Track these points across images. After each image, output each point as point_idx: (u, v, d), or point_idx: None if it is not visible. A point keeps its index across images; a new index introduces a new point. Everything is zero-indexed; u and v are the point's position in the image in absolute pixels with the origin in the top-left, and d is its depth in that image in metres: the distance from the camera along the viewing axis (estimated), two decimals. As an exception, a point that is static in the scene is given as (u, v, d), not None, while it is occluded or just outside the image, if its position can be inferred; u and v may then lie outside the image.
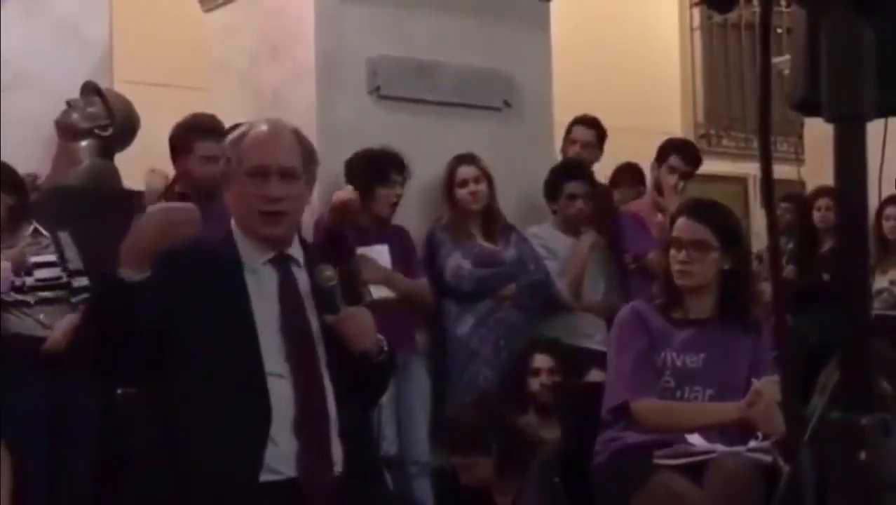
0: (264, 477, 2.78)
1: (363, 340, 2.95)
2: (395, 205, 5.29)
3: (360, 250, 5.04)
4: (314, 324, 2.96)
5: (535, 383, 5.16)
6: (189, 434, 2.81)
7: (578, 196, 5.70)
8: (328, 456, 2.85)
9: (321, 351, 2.94)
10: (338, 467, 2.87)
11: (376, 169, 5.22)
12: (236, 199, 3.02)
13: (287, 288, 2.98)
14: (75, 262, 5.04)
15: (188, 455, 2.80)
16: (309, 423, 2.84)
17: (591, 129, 6.23)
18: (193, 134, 4.82)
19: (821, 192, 7.05)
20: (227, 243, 3.01)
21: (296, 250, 3.07)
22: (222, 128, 4.75)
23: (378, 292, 4.89)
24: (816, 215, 7.04)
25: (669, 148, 6.11)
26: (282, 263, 3.01)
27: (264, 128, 3.07)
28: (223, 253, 2.98)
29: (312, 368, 2.91)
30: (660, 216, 5.85)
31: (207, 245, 3.06)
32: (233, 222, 3.05)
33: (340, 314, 2.95)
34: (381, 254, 5.16)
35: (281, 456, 2.80)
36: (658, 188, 6.00)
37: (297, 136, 3.09)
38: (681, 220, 3.91)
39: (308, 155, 3.08)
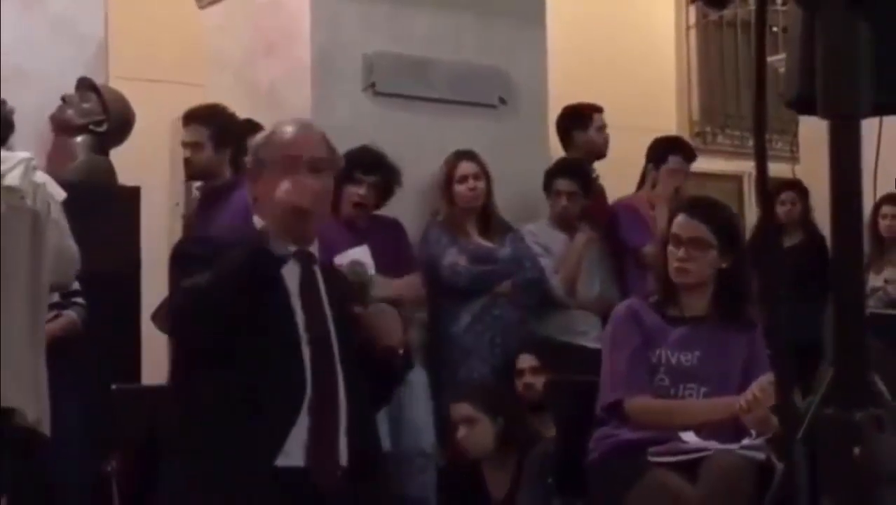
0: (280, 461, 2.83)
1: (391, 337, 3.03)
2: (359, 205, 5.17)
3: (337, 258, 4.91)
4: (331, 320, 3.02)
5: (518, 384, 5.17)
6: (224, 409, 2.86)
7: (562, 193, 5.73)
8: (335, 447, 2.90)
9: (336, 346, 3.00)
10: (342, 461, 2.92)
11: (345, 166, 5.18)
12: (266, 192, 3.03)
13: (308, 284, 3.04)
14: None
15: (218, 432, 2.86)
16: (319, 413, 2.89)
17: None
18: None
19: (784, 185, 6.97)
20: (252, 236, 3.03)
21: (315, 248, 3.12)
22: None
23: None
24: (780, 210, 6.98)
25: (667, 148, 6.10)
26: (304, 258, 3.06)
27: (290, 126, 3.14)
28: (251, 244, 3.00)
29: (329, 363, 2.96)
30: (652, 211, 5.86)
31: (230, 237, 3.16)
32: (256, 217, 3.09)
33: (372, 308, 3.02)
34: (362, 255, 5.10)
35: (295, 441, 2.85)
36: (654, 188, 6.00)
37: (323, 133, 3.17)
38: (680, 218, 3.91)
39: (333, 153, 3.14)
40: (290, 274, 3.03)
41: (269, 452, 2.82)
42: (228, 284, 2.86)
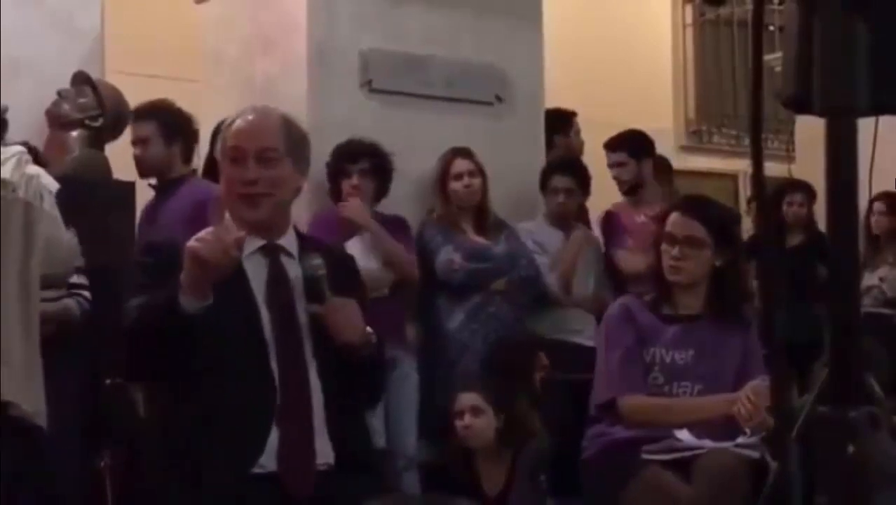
0: (254, 468, 2.77)
1: (348, 332, 2.89)
2: (353, 195, 5.16)
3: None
4: (303, 316, 2.92)
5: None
6: (194, 422, 2.81)
7: (560, 191, 5.73)
8: (310, 449, 2.83)
9: (308, 344, 2.91)
10: (326, 460, 2.86)
11: (333, 161, 5.22)
12: (221, 185, 3.00)
13: (276, 279, 2.94)
14: None
15: (191, 443, 2.81)
16: (289, 415, 2.82)
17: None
18: None
19: (792, 186, 6.97)
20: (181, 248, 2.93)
21: (288, 240, 3.02)
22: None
23: (366, 263, 4.70)
24: (787, 210, 6.98)
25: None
26: (271, 252, 2.97)
27: (250, 115, 3.05)
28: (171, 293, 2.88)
29: (298, 361, 2.88)
30: (642, 216, 5.82)
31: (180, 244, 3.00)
32: (227, 213, 2.99)
33: (326, 304, 2.90)
34: (355, 247, 5.12)
35: (268, 447, 2.79)
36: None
37: (285, 120, 3.06)
38: (674, 217, 3.91)
39: (296, 139, 3.03)
40: (257, 270, 2.94)
41: (243, 462, 2.76)
42: (148, 323, 2.76)
